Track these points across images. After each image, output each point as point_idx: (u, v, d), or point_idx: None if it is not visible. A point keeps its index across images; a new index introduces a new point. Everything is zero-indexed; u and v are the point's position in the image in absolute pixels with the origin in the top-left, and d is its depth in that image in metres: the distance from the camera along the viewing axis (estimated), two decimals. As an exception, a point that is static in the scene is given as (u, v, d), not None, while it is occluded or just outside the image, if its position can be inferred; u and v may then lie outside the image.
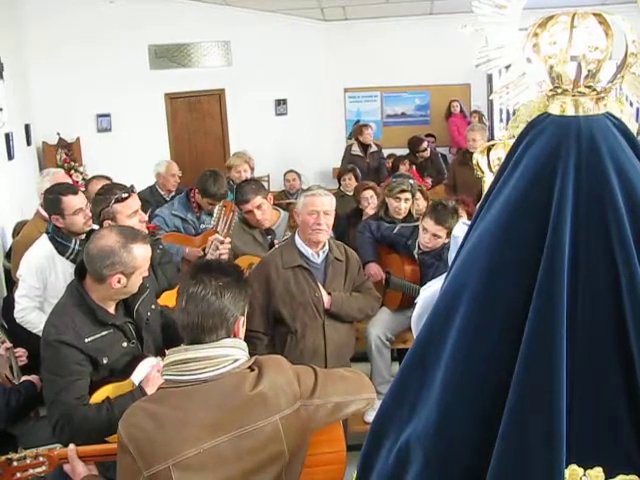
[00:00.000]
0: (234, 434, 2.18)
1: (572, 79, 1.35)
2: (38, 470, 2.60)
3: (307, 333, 4.07)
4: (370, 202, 6.36)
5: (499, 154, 1.76)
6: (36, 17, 9.90)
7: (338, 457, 2.56)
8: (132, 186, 4.01)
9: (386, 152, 10.39)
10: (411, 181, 5.67)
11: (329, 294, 4.13)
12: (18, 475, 2.58)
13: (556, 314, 1.01)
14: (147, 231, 4.02)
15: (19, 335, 4.21)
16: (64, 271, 4.21)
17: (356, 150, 9.86)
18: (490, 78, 11.93)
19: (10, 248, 6.04)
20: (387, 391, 1.38)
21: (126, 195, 3.87)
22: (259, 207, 4.92)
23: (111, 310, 3.14)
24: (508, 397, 1.04)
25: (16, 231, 5.97)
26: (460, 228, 4.61)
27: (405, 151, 10.38)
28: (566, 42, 1.39)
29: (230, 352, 2.27)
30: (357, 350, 4.57)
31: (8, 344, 3.83)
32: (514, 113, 1.49)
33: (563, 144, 1.18)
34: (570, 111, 1.30)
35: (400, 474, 1.22)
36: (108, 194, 3.87)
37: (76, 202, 4.30)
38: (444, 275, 1.62)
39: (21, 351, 3.83)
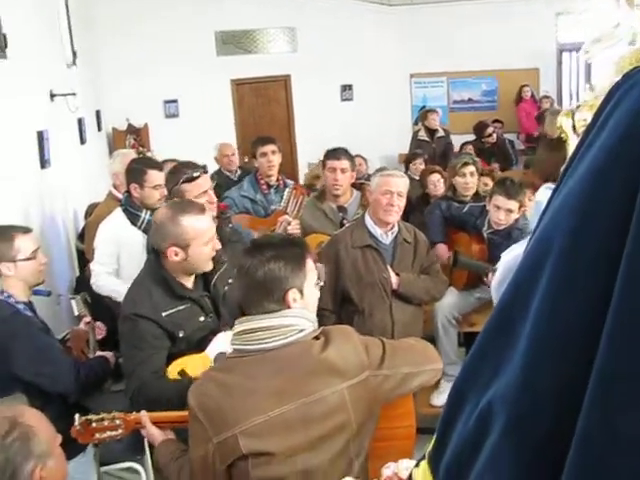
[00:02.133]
0: (300, 402, 2.20)
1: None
2: (115, 433, 2.68)
3: (374, 313, 4.07)
4: (437, 186, 6.31)
5: (585, 116, 1.71)
6: (106, 6, 10.07)
7: (408, 432, 2.55)
8: (204, 166, 4.04)
9: (453, 138, 10.29)
10: (473, 156, 5.61)
11: (397, 275, 4.11)
12: (96, 436, 2.67)
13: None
14: (217, 210, 4.06)
15: (99, 311, 4.30)
16: (136, 241, 4.28)
17: (423, 135, 9.83)
18: (560, 62, 11.73)
19: (83, 229, 6.17)
20: (469, 354, 1.35)
21: (196, 175, 3.89)
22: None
23: (188, 284, 3.17)
24: (598, 353, 1.00)
25: (88, 213, 6.08)
26: (543, 193, 4.58)
27: (472, 137, 10.26)
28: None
29: (295, 322, 2.29)
30: (425, 333, 4.54)
31: (88, 318, 3.90)
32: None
33: None
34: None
35: (480, 437, 1.19)
36: (178, 173, 3.91)
37: (158, 177, 4.37)
38: (525, 240, 1.58)
39: (100, 325, 3.90)
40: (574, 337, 1.07)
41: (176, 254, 3.07)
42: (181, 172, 3.89)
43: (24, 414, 1.98)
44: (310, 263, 2.40)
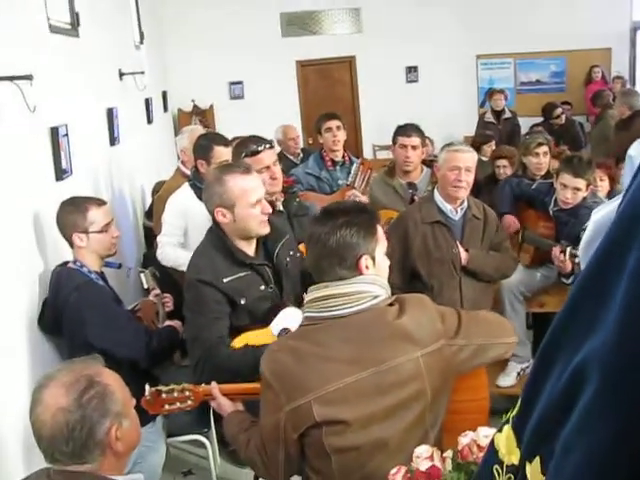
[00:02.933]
0: (375, 369, 2.17)
1: None
2: (184, 405, 2.68)
3: (443, 290, 4.01)
4: (503, 171, 6.22)
5: None
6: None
7: (481, 406, 2.51)
8: (270, 141, 4.02)
9: (519, 120, 10.10)
10: (546, 134, 5.50)
11: (467, 251, 4.05)
12: (166, 407, 2.68)
13: None
14: (283, 185, 4.05)
15: (167, 285, 4.35)
16: (202, 214, 4.30)
17: (489, 117, 9.71)
18: (634, 41, 11.36)
19: (150, 207, 6.25)
20: (558, 314, 1.30)
21: (260, 149, 3.86)
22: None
23: (249, 252, 3.17)
24: None
25: (155, 190, 6.15)
26: (636, 147, 4.47)
27: (539, 120, 10.04)
28: None
29: (369, 288, 2.25)
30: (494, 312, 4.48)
31: (157, 291, 3.95)
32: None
33: None
34: None
35: (572, 398, 1.14)
36: (242, 147, 3.90)
37: (224, 153, 4.41)
38: (616, 198, 1.52)
39: (168, 297, 3.95)
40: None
41: (223, 215, 3.08)
42: (245, 145, 3.88)
43: (102, 373, 1.99)
44: (380, 230, 2.36)
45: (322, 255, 2.25)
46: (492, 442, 1.45)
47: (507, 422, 1.39)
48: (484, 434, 1.80)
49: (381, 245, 2.35)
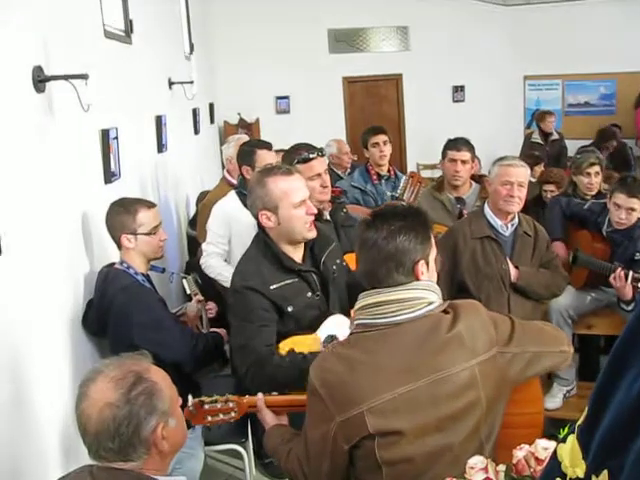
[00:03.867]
0: (430, 378, 2.09)
1: None
2: (228, 416, 2.62)
3: (491, 305, 3.93)
4: (550, 196, 6.13)
5: None
6: (222, 2, 10.27)
7: (535, 420, 2.41)
8: (321, 149, 3.99)
9: (567, 143, 9.98)
10: (598, 154, 5.40)
11: (516, 268, 3.98)
12: (209, 419, 2.61)
13: None
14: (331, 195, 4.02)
15: (209, 293, 4.35)
16: (248, 224, 4.29)
17: (537, 138, 9.60)
18: (686, 64, 11.20)
19: (194, 216, 6.27)
20: (632, 316, 1.24)
21: (312, 156, 3.84)
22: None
23: (296, 258, 3.13)
24: None
25: (199, 199, 6.18)
26: None
27: (587, 142, 9.89)
28: None
29: (424, 294, 2.18)
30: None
31: (200, 297, 3.94)
32: None
33: None
34: None
35: (647, 405, 1.06)
36: (294, 153, 3.88)
37: (268, 157, 4.41)
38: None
39: (211, 304, 3.94)
40: None
41: (268, 218, 3.03)
42: (297, 153, 3.86)
43: (150, 370, 1.96)
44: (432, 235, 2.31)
45: (379, 261, 2.17)
46: (554, 453, 1.38)
47: (572, 432, 1.32)
48: (543, 446, 1.73)
49: (434, 250, 2.30)
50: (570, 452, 1.25)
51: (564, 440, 1.31)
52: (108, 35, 4.28)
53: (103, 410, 1.84)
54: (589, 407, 1.38)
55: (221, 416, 2.62)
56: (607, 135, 9.61)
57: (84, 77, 3.04)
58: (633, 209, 4.40)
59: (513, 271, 3.96)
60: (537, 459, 1.73)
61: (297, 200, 3.04)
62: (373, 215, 2.30)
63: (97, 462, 1.90)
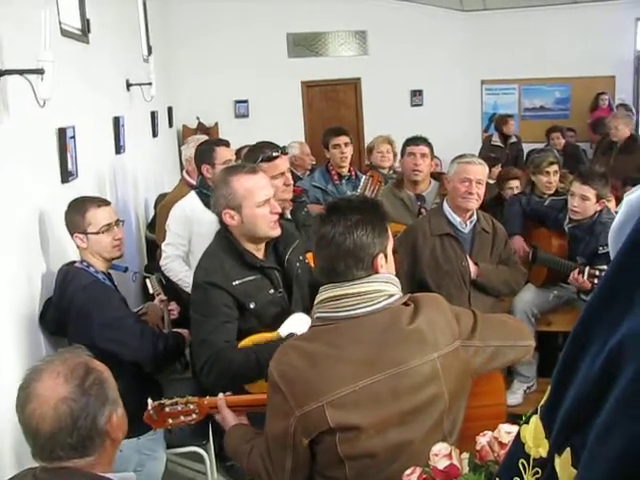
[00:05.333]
0: (391, 372, 2.07)
1: None
2: (189, 418, 2.60)
3: (452, 302, 3.95)
4: (515, 191, 6.20)
5: None
6: (181, 6, 10.22)
7: (498, 411, 2.42)
8: (284, 147, 3.98)
9: (523, 146, 10.13)
10: (556, 153, 5.51)
11: (476, 264, 4.01)
12: (170, 421, 2.58)
13: None
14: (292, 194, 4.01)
15: (172, 293, 4.31)
16: (209, 223, 4.25)
17: (496, 141, 9.81)
18: (638, 70, 11.44)
19: (152, 219, 6.22)
20: (592, 295, 1.24)
21: (275, 155, 3.83)
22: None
23: (259, 255, 3.12)
24: None
25: (158, 202, 6.13)
26: None
27: (542, 145, 10.04)
28: None
29: (384, 287, 2.16)
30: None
31: (163, 297, 3.91)
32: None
33: None
34: None
35: (610, 377, 1.08)
36: (257, 152, 3.86)
37: (227, 153, 4.40)
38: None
39: (173, 305, 3.91)
40: None
41: (231, 217, 3.02)
42: (260, 151, 3.85)
43: (93, 360, 1.94)
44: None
45: (337, 257, 2.14)
46: (518, 435, 1.38)
47: (535, 413, 1.32)
48: (506, 430, 1.73)
49: (391, 241, 2.28)
50: (533, 432, 1.25)
51: (527, 422, 1.31)
52: (64, 33, 4.24)
53: (58, 406, 1.80)
54: (551, 386, 1.39)
55: (182, 418, 2.59)
56: (553, 130, 9.80)
57: (39, 72, 3.01)
58: (587, 197, 4.46)
59: (473, 268, 3.99)
60: (501, 443, 1.74)
61: (261, 199, 3.03)
62: (328, 209, 2.27)
63: (48, 464, 1.84)
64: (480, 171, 4.04)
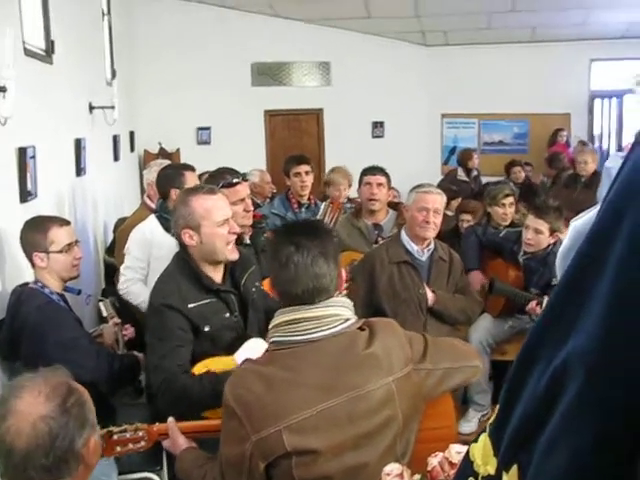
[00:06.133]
0: (348, 396, 2.09)
1: None
2: (138, 445, 2.55)
3: (408, 330, 4.00)
4: (467, 225, 6.29)
5: None
6: (146, 29, 10.24)
7: (448, 434, 2.45)
8: (245, 174, 4.02)
9: (482, 179, 10.29)
10: (511, 186, 5.63)
11: (433, 292, 4.06)
12: (118, 449, 2.53)
13: None
14: (252, 220, 4.04)
15: (126, 317, 4.27)
16: (169, 247, 4.24)
17: (462, 175, 9.95)
18: (592, 108, 11.75)
19: (111, 243, 6.18)
20: (539, 316, 1.29)
21: (235, 181, 3.87)
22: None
23: (216, 278, 3.12)
24: None
25: (117, 226, 6.10)
26: (614, 159, 4.59)
27: (501, 179, 10.20)
28: None
29: (340, 311, 2.20)
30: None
31: (117, 319, 3.88)
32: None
33: None
34: None
35: (553, 399, 1.12)
36: (218, 177, 3.89)
37: (195, 178, 4.42)
38: (595, 206, 1.54)
39: (129, 327, 3.88)
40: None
41: (190, 237, 3.02)
42: (220, 177, 3.88)
43: (74, 382, 1.91)
44: None
45: (318, 277, 2.17)
46: (467, 454, 1.41)
47: (484, 431, 1.35)
48: (457, 450, 1.76)
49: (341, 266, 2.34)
50: (482, 450, 1.28)
51: (476, 440, 1.34)
52: (28, 53, 4.24)
53: (37, 424, 1.75)
54: (500, 405, 1.42)
55: (130, 446, 2.54)
56: (513, 164, 9.97)
57: (1, 90, 3.01)
58: (540, 231, 4.55)
59: (430, 295, 4.04)
60: (451, 463, 1.76)
61: (220, 219, 3.05)
62: (286, 232, 2.32)
63: None
64: (438, 200, 4.11)
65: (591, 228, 1.31)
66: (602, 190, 5.07)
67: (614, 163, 4.82)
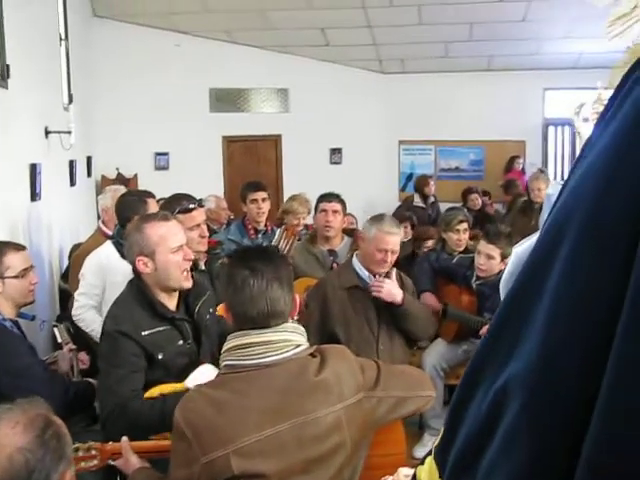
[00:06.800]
0: (296, 421, 2.12)
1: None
2: (90, 464, 2.55)
3: (361, 355, 4.02)
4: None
5: (598, 109, 1.71)
6: (105, 54, 10.21)
7: (398, 460, 2.48)
8: (200, 200, 4.04)
9: (439, 205, 10.41)
10: (465, 212, 5.71)
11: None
12: None
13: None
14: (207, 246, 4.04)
15: (81, 343, 4.24)
16: (124, 273, 4.22)
17: (418, 201, 10.08)
18: (546, 135, 11.97)
19: (66, 269, 6.12)
20: (482, 340, 1.33)
21: (191, 207, 3.88)
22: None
23: (170, 306, 3.12)
24: (620, 321, 0.97)
25: (72, 252, 6.04)
26: (554, 187, 4.66)
27: (457, 205, 10.33)
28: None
29: (292, 337, 2.23)
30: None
31: (72, 345, 3.86)
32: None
33: None
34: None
35: (496, 417, 1.16)
36: (174, 203, 3.90)
37: (155, 206, 4.38)
38: (536, 233, 1.58)
39: (83, 355, 3.85)
40: (596, 308, 1.03)
41: (145, 264, 3.02)
42: (177, 202, 3.89)
43: (51, 414, 1.86)
44: None
45: (275, 302, 2.21)
46: (414, 477, 1.44)
47: (429, 454, 1.38)
48: (405, 474, 1.79)
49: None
50: (428, 472, 1.31)
51: (422, 462, 1.37)
52: (-18, 78, 4.22)
53: (13, 455, 1.70)
54: (444, 428, 1.45)
55: (82, 464, 2.53)
56: (470, 191, 10.11)
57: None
58: (492, 256, 4.63)
59: (399, 292, 4.04)
60: (398, 486, 1.79)
61: (174, 245, 3.05)
62: (241, 256, 2.36)
63: None
64: (397, 242, 4.16)
65: (529, 255, 1.36)
66: (543, 217, 5.19)
67: (554, 190, 4.93)
